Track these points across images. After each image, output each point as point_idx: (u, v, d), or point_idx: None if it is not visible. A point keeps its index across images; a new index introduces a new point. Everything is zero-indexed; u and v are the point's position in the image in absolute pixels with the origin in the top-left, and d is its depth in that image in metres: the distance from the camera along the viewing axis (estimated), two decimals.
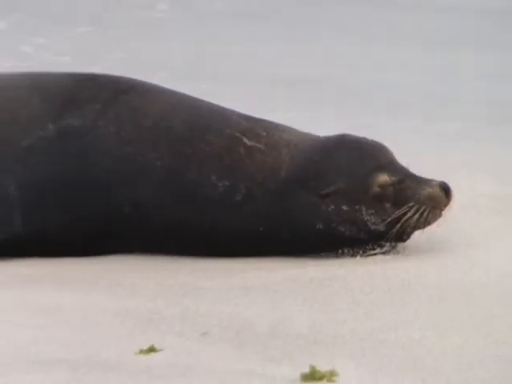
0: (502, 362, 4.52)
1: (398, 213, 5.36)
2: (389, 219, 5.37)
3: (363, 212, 5.46)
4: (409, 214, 5.27)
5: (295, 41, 16.05)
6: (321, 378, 3.97)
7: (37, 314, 5.26)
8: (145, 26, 17.65)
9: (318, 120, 10.23)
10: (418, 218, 5.32)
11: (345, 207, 5.39)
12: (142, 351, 4.41)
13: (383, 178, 5.37)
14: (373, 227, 5.39)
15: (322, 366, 4.11)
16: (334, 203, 5.30)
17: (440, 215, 5.29)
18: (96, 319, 5.13)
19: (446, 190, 5.30)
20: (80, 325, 5.05)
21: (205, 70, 13.94)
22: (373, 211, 5.44)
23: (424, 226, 5.29)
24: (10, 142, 5.28)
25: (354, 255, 5.49)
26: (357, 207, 5.43)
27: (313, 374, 3.92)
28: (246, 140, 5.25)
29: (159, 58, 15.03)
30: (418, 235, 5.74)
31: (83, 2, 18.73)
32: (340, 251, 5.43)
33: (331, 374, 3.99)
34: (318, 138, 5.48)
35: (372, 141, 5.39)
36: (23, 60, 14.11)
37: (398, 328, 4.79)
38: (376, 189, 5.40)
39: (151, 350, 4.42)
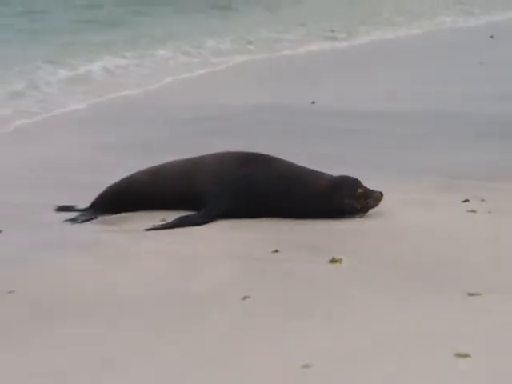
0: None
1: (365, 203, 7.55)
2: (363, 205, 7.55)
3: (354, 202, 7.42)
4: (369, 204, 7.58)
5: None
6: None
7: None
8: None
9: None
10: (371, 205, 7.58)
11: (347, 201, 7.38)
12: None
13: (360, 189, 7.46)
14: (357, 207, 7.51)
15: None
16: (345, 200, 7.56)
17: (378, 204, 7.61)
18: None
19: (381, 194, 7.56)
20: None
21: None
22: (357, 202, 7.44)
23: (373, 208, 7.60)
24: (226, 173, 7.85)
25: (351, 218, 7.49)
26: (353, 200, 7.46)
27: None
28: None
29: None
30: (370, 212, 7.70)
31: None
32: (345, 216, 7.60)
33: None
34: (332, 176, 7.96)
35: (352, 177, 7.75)
36: None
37: None
38: (358, 193, 7.44)
39: None
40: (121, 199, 7.86)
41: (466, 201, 7.75)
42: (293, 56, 19.60)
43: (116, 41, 21.67)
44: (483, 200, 7.80)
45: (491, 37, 20.26)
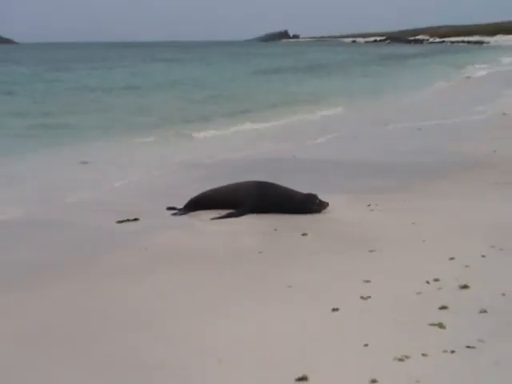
0: None
1: (320, 207, 7.87)
2: (319, 208, 7.88)
3: (315, 206, 7.83)
4: (322, 207, 7.82)
5: None
6: None
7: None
8: None
9: None
10: (323, 208, 7.84)
11: (312, 206, 7.89)
12: None
13: (318, 200, 7.85)
14: (317, 209, 7.83)
15: None
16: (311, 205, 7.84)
17: (326, 208, 7.85)
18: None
19: (327, 203, 7.83)
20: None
21: None
22: (317, 206, 7.86)
23: (324, 209, 7.84)
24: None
25: (314, 214, 7.79)
26: (315, 206, 7.84)
27: None
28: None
29: None
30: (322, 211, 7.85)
31: None
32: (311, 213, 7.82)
33: None
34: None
35: (314, 194, 7.95)
36: None
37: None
38: (317, 202, 7.87)
39: None
40: (198, 204, 8.29)
41: (369, 205, 8.10)
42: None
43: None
44: (377, 204, 8.11)
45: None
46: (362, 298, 5.11)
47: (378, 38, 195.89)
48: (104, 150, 13.58)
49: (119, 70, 45.68)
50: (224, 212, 8.07)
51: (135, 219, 7.79)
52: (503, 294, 5.07)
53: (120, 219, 7.77)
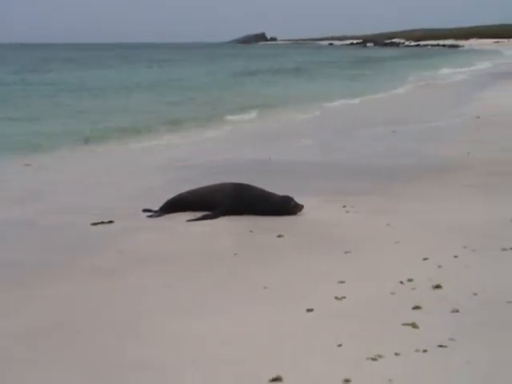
0: None
1: (296, 209, 7.88)
2: (295, 210, 7.87)
3: (291, 208, 7.90)
4: (298, 209, 7.82)
5: None
6: None
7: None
8: None
9: None
10: (299, 210, 7.83)
11: (288, 207, 7.90)
12: None
13: (294, 202, 7.88)
14: (293, 211, 7.86)
15: None
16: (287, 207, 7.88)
17: (301, 210, 7.86)
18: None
19: (303, 206, 7.85)
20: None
21: None
22: (292, 208, 7.90)
23: (300, 211, 7.84)
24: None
25: (290, 215, 7.86)
26: (290, 207, 7.88)
27: None
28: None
29: None
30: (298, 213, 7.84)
31: None
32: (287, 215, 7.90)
33: None
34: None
35: (290, 196, 7.98)
36: None
37: None
38: (293, 204, 7.89)
39: None
40: (174, 206, 8.25)
41: (344, 207, 8.15)
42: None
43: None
44: (352, 206, 8.14)
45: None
46: (336, 298, 5.15)
47: (355, 41, 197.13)
48: (76, 152, 13.63)
49: (91, 72, 45.32)
50: (200, 214, 8.06)
51: (110, 221, 7.76)
52: (475, 294, 5.14)
53: (95, 221, 7.72)
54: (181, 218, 8.01)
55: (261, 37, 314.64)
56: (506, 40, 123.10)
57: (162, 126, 17.91)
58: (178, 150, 13.93)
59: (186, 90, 29.99)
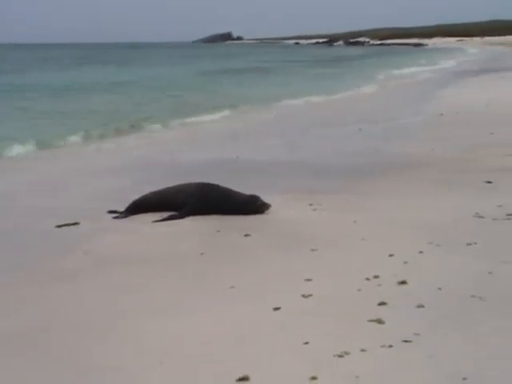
0: None
1: (263, 208, 7.88)
2: (262, 208, 7.87)
3: (258, 207, 7.91)
4: (265, 208, 7.83)
5: None
6: None
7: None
8: None
9: None
10: (266, 209, 7.83)
11: (255, 206, 7.89)
12: None
13: (261, 201, 7.88)
14: (260, 210, 7.86)
15: None
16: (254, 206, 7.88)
17: (269, 209, 7.85)
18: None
19: (270, 204, 7.86)
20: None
21: None
22: (259, 207, 7.90)
23: (267, 210, 7.84)
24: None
25: (257, 214, 7.85)
26: (258, 206, 7.90)
27: None
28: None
29: None
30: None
31: None
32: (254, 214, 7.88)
33: None
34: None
35: (257, 195, 8.00)
36: None
37: None
38: (260, 203, 7.89)
39: None
40: (139, 207, 8.21)
41: (311, 204, 8.18)
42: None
43: None
44: (319, 204, 8.20)
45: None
46: (303, 296, 5.16)
47: (320, 40, 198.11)
48: (38, 153, 13.47)
49: (54, 74, 44.73)
50: (166, 214, 8.02)
51: (75, 223, 7.69)
52: (439, 289, 5.20)
53: (59, 223, 7.64)
54: (147, 218, 7.96)
55: (227, 36, 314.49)
56: (468, 38, 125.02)
57: (127, 126, 17.82)
58: (143, 151, 13.87)
59: (151, 90, 29.85)
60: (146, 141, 15.48)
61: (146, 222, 7.84)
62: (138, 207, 8.28)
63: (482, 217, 7.24)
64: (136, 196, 8.44)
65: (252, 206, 7.98)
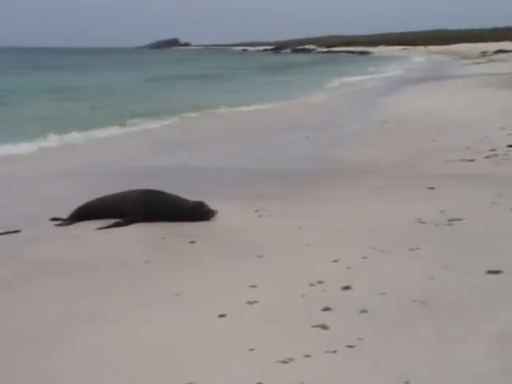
0: None
1: (209, 214, 7.89)
2: (209, 215, 7.88)
3: (204, 214, 7.87)
4: (211, 215, 7.84)
5: None
6: None
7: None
8: None
9: None
10: (212, 216, 7.81)
11: (201, 213, 7.89)
12: None
13: (207, 208, 7.85)
14: (206, 217, 7.83)
15: None
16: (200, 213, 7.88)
17: (215, 215, 7.83)
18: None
19: (216, 211, 7.81)
20: None
21: None
22: (206, 214, 7.88)
23: (213, 217, 7.81)
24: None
25: (203, 221, 7.81)
26: (204, 213, 7.89)
27: None
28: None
29: None
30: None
31: None
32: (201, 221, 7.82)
33: None
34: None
35: (203, 201, 7.95)
36: None
37: None
38: (206, 210, 7.85)
39: None
40: (84, 214, 8.14)
41: (257, 211, 8.21)
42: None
43: None
44: (265, 210, 8.22)
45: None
46: (248, 302, 5.15)
47: (268, 47, 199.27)
48: None
49: None
50: (111, 221, 7.93)
51: (16, 231, 7.54)
52: (383, 294, 5.26)
53: (0, 231, 7.47)
54: (91, 225, 7.87)
55: (173, 42, 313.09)
56: (411, 47, 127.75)
57: (70, 131, 17.53)
58: (89, 157, 13.69)
59: (96, 96, 29.42)
60: (92, 147, 15.29)
61: (89, 229, 7.74)
62: (83, 214, 8.17)
63: (424, 222, 7.36)
64: (80, 202, 8.32)
65: (198, 212, 7.94)
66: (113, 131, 17.99)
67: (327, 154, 12.95)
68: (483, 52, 69.19)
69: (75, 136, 16.90)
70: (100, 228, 7.76)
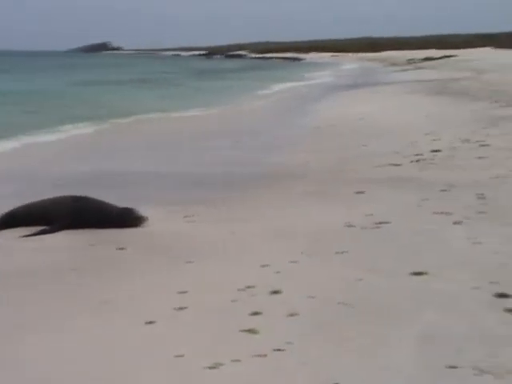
0: None
1: (139, 221, 7.82)
2: (138, 222, 7.82)
3: (133, 221, 7.83)
4: (141, 221, 7.77)
5: None
6: None
7: None
8: None
9: None
10: (142, 222, 7.75)
11: (130, 219, 7.82)
12: None
13: (137, 214, 7.84)
14: (136, 223, 7.76)
15: None
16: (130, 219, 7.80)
17: (146, 221, 7.75)
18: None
19: (147, 217, 7.75)
20: None
21: None
22: (135, 220, 7.82)
23: (143, 223, 7.74)
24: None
25: (133, 227, 7.76)
26: (133, 219, 7.82)
27: None
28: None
29: None
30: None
31: None
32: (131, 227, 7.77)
33: None
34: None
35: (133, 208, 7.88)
36: None
37: None
38: (136, 215, 7.80)
39: None
40: (7, 222, 7.96)
41: (188, 216, 8.18)
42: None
43: None
44: (197, 215, 8.23)
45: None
46: (177, 309, 5.12)
47: (201, 52, 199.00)
48: None
49: None
50: (36, 229, 7.76)
51: None
52: (312, 297, 5.31)
53: None
54: (15, 233, 7.70)
55: (104, 46, 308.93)
56: (340, 54, 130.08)
57: None
58: (12, 163, 13.35)
59: (22, 100, 28.66)
60: (20, 152, 14.90)
61: (13, 237, 7.58)
62: (6, 222, 8.00)
63: (352, 226, 7.47)
64: (4, 210, 8.11)
65: (127, 218, 7.87)
66: (43, 137, 17.55)
67: (258, 159, 13.03)
68: (410, 59, 71.02)
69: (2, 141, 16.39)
70: (25, 236, 7.59)
